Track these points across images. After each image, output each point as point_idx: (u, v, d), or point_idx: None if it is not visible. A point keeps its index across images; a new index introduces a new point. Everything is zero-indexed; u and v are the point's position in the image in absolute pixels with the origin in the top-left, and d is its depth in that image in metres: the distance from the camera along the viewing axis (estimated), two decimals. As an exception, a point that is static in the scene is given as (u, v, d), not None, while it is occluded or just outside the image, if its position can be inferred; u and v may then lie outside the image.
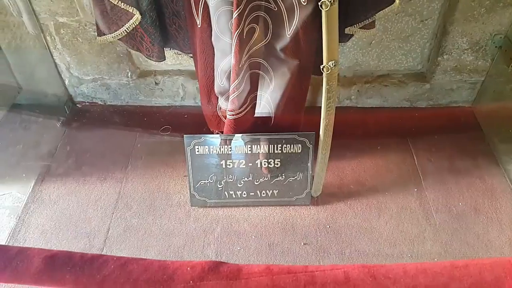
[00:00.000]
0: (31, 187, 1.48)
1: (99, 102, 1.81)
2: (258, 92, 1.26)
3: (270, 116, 1.31)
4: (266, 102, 1.29)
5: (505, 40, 1.47)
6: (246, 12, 1.01)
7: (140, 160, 1.57)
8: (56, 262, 0.77)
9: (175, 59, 1.66)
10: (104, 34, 1.21)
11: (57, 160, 1.58)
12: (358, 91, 1.69)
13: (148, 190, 1.47)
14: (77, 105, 1.82)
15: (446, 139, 1.60)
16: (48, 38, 1.58)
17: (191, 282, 0.74)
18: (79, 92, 1.78)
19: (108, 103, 1.81)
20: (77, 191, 1.47)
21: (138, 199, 1.44)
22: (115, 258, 0.77)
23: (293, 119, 1.36)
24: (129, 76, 1.69)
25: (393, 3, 1.10)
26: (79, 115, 1.77)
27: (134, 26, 1.16)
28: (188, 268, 0.75)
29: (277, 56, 1.18)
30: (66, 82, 1.74)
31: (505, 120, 1.55)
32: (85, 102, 1.82)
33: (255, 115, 1.30)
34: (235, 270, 0.74)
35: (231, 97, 1.17)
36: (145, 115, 1.76)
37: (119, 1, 1.11)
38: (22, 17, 1.46)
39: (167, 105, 1.80)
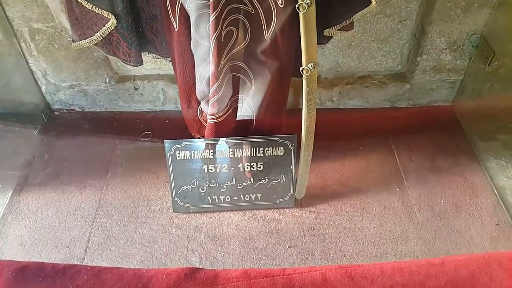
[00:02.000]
0: (9, 198, 1.44)
1: (77, 109, 1.77)
2: (239, 95, 1.25)
3: (251, 119, 1.31)
4: (247, 106, 1.29)
5: (481, 40, 1.50)
6: (223, 15, 1.00)
7: (120, 167, 1.54)
8: (27, 274, 0.75)
9: (155, 64, 1.64)
10: (80, 40, 1.19)
11: (35, 169, 1.54)
12: (339, 92, 1.70)
13: (129, 198, 1.44)
14: (55, 112, 1.78)
15: (427, 138, 1.62)
16: (23, 44, 1.54)
17: (166, 290, 0.73)
18: (56, 99, 1.74)
19: (87, 109, 1.77)
20: (56, 200, 1.44)
21: (119, 207, 1.41)
22: (88, 268, 0.75)
23: (275, 122, 1.35)
24: (107, 82, 1.67)
25: (369, 5, 1.11)
26: (57, 123, 1.74)
27: (109, 31, 1.14)
28: (164, 276, 0.74)
29: (257, 59, 1.17)
30: (43, 89, 1.70)
31: (484, 118, 1.57)
32: (62, 109, 1.78)
33: (236, 119, 1.29)
34: (212, 276, 0.73)
35: (211, 101, 1.16)
36: (125, 121, 1.73)
37: (93, 6, 1.09)
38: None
39: (147, 110, 1.77)
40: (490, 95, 1.52)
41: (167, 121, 1.73)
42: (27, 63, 1.61)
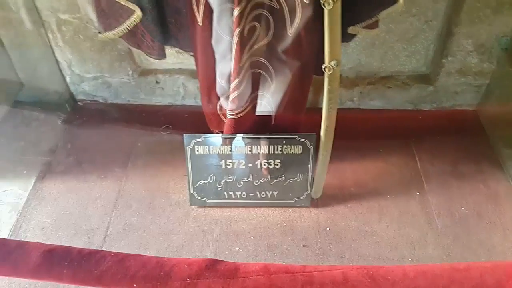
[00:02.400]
0: (32, 184, 1.48)
1: (100, 100, 1.80)
2: (259, 92, 1.25)
3: (270, 116, 1.30)
4: (267, 102, 1.28)
5: None
6: (247, 10, 1.00)
7: (140, 158, 1.56)
8: (54, 257, 0.76)
9: (176, 58, 1.65)
10: (105, 31, 1.21)
11: (58, 158, 1.58)
12: (360, 92, 1.68)
13: (147, 189, 1.46)
14: (78, 103, 1.82)
15: (449, 143, 1.58)
16: (50, 35, 1.58)
17: (188, 279, 0.73)
18: (80, 90, 1.77)
19: (109, 101, 1.80)
20: (77, 188, 1.47)
21: (137, 197, 1.43)
22: (112, 254, 0.77)
23: (294, 120, 1.34)
24: (130, 75, 1.69)
25: (396, 3, 1.09)
26: (80, 113, 1.77)
27: (135, 23, 1.15)
28: (186, 265, 0.74)
29: (278, 55, 1.16)
30: (68, 79, 1.74)
31: (510, 124, 1.52)
32: (86, 100, 1.81)
33: (255, 115, 1.29)
34: (232, 268, 0.73)
35: (231, 97, 1.16)
36: (146, 114, 1.76)
37: (120, -2, 1.10)
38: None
39: (168, 104, 1.79)
40: (518, 100, 1.48)
41: (186, 116, 1.74)
42: (53, 53, 1.65)
